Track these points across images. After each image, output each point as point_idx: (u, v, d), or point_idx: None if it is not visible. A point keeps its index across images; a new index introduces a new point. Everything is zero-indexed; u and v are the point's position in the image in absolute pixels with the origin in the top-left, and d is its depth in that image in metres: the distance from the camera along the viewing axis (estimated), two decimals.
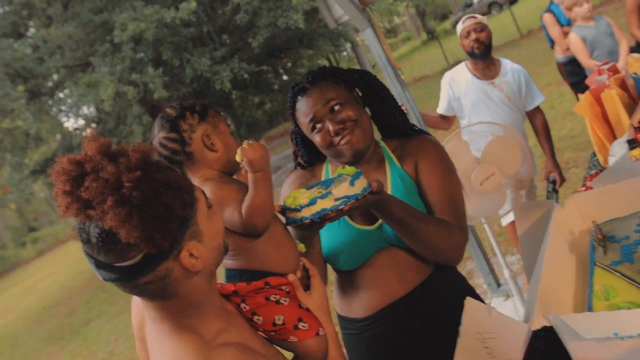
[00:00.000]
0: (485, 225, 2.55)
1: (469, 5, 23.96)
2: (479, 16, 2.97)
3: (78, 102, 10.49)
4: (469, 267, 4.16)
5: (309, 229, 1.19)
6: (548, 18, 4.49)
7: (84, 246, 0.85)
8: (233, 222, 1.13)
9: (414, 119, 3.04)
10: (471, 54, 2.95)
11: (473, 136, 2.63)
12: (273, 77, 16.84)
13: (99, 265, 0.85)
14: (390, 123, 1.49)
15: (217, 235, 0.96)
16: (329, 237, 1.43)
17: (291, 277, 1.16)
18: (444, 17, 34.39)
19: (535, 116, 3.02)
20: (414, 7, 28.82)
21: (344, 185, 1.14)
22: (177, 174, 0.90)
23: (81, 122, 12.41)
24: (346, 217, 1.41)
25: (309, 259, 1.32)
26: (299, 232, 1.28)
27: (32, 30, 11.97)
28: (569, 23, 4.21)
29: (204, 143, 1.22)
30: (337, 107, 1.36)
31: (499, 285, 3.34)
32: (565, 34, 4.26)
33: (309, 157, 1.55)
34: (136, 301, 1.12)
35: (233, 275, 1.16)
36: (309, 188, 1.22)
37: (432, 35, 25.64)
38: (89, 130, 12.54)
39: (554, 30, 4.45)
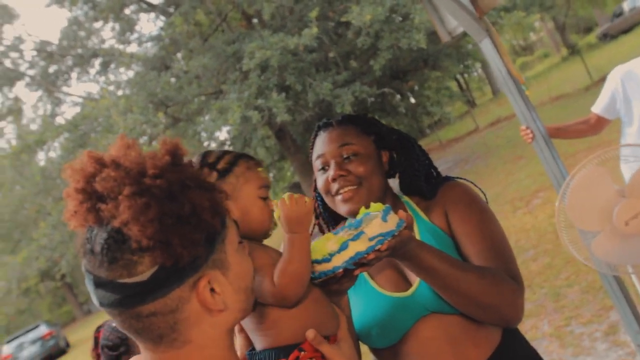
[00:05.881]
0: (633, 276, 2.02)
1: (619, 14, 21.59)
2: None
3: (209, 127, 11.24)
4: (613, 319, 3.45)
5: (341, 284, 0.97)
6: None
7: (85, 261, 0.69)
8: (262, 292, 0.92)
9: (541, 142, 2.60)
10: None
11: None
12: (399, 100, 16.57)
13: (98, 283, 0.67)
14: (415, 185, 1.28)
15: (246, 276, 0.77)
16: (354, 309, 1.19)
17: (311, 334, 0.90)
18: (587, 30, 31.48)
19: None
20: (551, 21, 26.74)
21: (376, 221, 0.96)
22: (206, 178, 0.73)
23: (213, 144, 13.30)
24: (372, 284, 1.18)
25: None
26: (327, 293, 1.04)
27: (181, 62, 13.13)
28: None
29: None
30: (351, 156, 1.18)
31: None
32: None
33: (329, 216, 1.36)
34: None
35: (262, 358, 0.95)
36: (336, 233, 1.00)
37: (572, 51, 23.47)
38: None
39: None
